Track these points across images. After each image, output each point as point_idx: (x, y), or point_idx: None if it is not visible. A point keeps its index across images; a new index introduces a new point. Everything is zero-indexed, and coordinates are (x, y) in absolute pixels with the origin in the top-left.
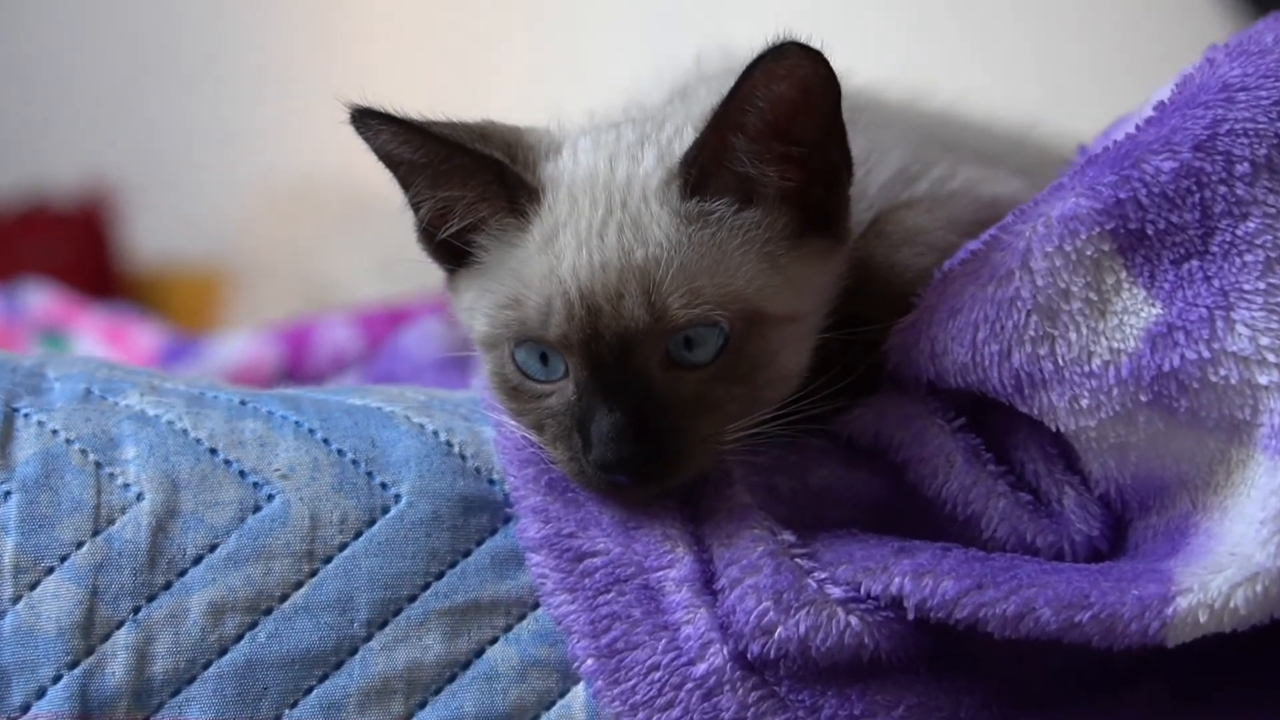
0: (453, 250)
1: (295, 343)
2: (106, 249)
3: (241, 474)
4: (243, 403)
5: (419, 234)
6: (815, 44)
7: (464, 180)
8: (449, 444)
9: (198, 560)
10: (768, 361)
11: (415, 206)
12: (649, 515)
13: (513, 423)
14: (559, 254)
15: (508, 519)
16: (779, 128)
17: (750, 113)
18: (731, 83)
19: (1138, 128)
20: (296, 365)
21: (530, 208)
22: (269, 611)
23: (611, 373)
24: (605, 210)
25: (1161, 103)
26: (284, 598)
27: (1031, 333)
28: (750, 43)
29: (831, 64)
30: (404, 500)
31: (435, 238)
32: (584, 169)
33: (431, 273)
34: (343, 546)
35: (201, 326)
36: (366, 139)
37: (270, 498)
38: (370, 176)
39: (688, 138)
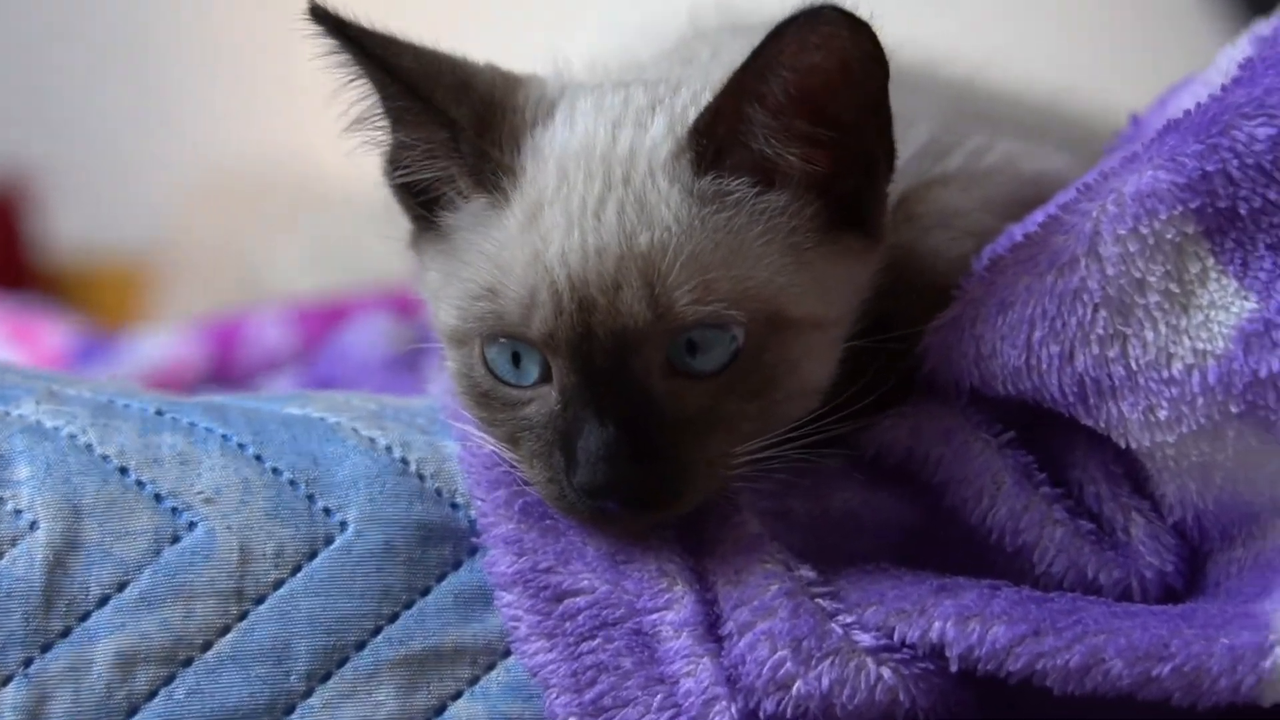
0: (419, 199)
1: (223, 341)
2: (19, 239)
3: (157, 498)
4: (159, 412)
5: (383, 164)
6: (862, 12)
7: (417, 127)
8: (404, 461)
9: (103, 602)
10: (787, 373)
11: (390, 130)
12: (642, 547)
13: (482, 435)
14: (545, 236)
15: (474, 551)
16: (806, 104)
17: (771, 82)
18: (753, 42)
19: (1224, 89)
20: (224, 366)
21: (506, 180)
22: (189, 663)
23: (604, 379)
24: (603, 185)
25: (1249, 59)
26: (207, 646)
27: (1099, 331)
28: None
29: (880, 38)
30: (351, 529)
31: (395, 177)
32: (580, 135)
33: (377, 266)
34: (278, 584)
35: (127, 324)
36: (328, 44)
37: (191, 526)
38: (311, 161)
39: (704, 103)
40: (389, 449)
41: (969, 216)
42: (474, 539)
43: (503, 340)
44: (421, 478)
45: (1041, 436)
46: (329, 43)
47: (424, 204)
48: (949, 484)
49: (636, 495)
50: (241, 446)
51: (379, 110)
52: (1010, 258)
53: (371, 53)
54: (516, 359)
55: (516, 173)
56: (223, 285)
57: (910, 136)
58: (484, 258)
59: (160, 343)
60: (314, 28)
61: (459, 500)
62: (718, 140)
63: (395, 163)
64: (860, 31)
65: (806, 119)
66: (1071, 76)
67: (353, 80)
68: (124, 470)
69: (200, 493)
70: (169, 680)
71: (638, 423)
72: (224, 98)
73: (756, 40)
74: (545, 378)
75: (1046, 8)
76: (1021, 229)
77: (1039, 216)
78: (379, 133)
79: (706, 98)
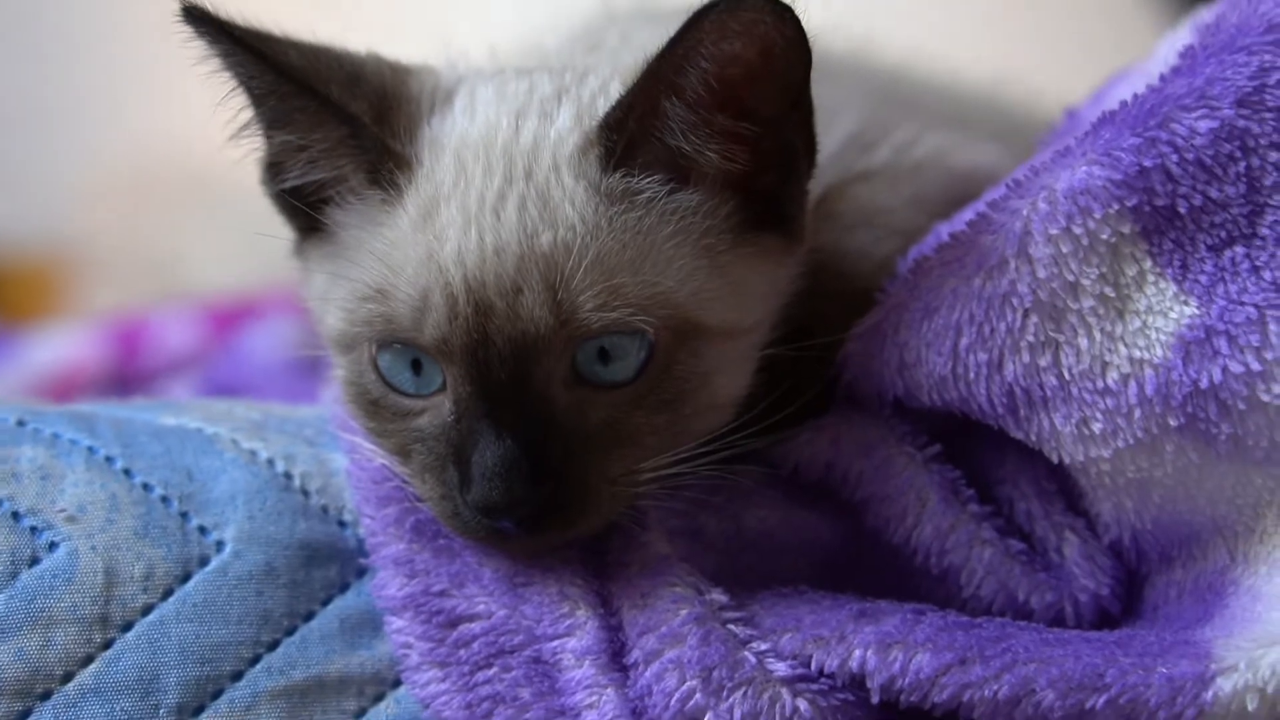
0: (302, 207)
1: (125, 342)
2: None
3: (14, 516)
4: (20, 423)
5: (261, 172)
6: None
7: (312, 127)
8: (287, 475)
9: None
10: (699, 385)
11: (265, 137)
12: (542, 569)
13: (371, 447)
14: (440, 234)
15: (362, 572)
16: (726, 96)
17: (690, 73)
18: (667, 29)
19: (1163, 79)
20: (126, 368)
21: (402, 175)
22: (47, 696)
23: (502, 389)
24: (503, 180)
25: (1190, 47)
26: (68, 677)
27: (1030, 338)
28: None
29: (803, 23)
30: (228, 549)
31: (276, 184)
32: (480, 126)
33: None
34: (147, 610)
35: (31, 322)
36: (206, 47)
37: (52, 546)
38: (226, 150)
39: (615, 95)
40: (271, 462)
41: (895, 214)
42: (362, 560)
43: (397, 346)
44: (306, 493)
45: (969, 450)
46: (208, 45)
47: (310, 205)
48: (871, 501)
49: (535, 515)
50: (109, 460)
51: (258, 116)
52: (936, 259)
53: (260, 52)
54: (417, 366)
55: (412, 166)
56: (136, 281)
57: (833, 129)
58: (374, 257)
59: (59, 343)
60: (190, 30)
61: (346, 518)
62: (629, 135)
63: (278, 168)
64: (784, 17)
65: (726, 112)
66: (1003, 65)
67: (231, 86)
68: None
69: (62, 510)
70: (24, 715)
71: (537, 437)
72: (134, 84)
73: (671, 27)
74: (441, 387)
75: None
76: (949, 228)
77: (967, 215)
78: (257, 139)
79: (615, 87)
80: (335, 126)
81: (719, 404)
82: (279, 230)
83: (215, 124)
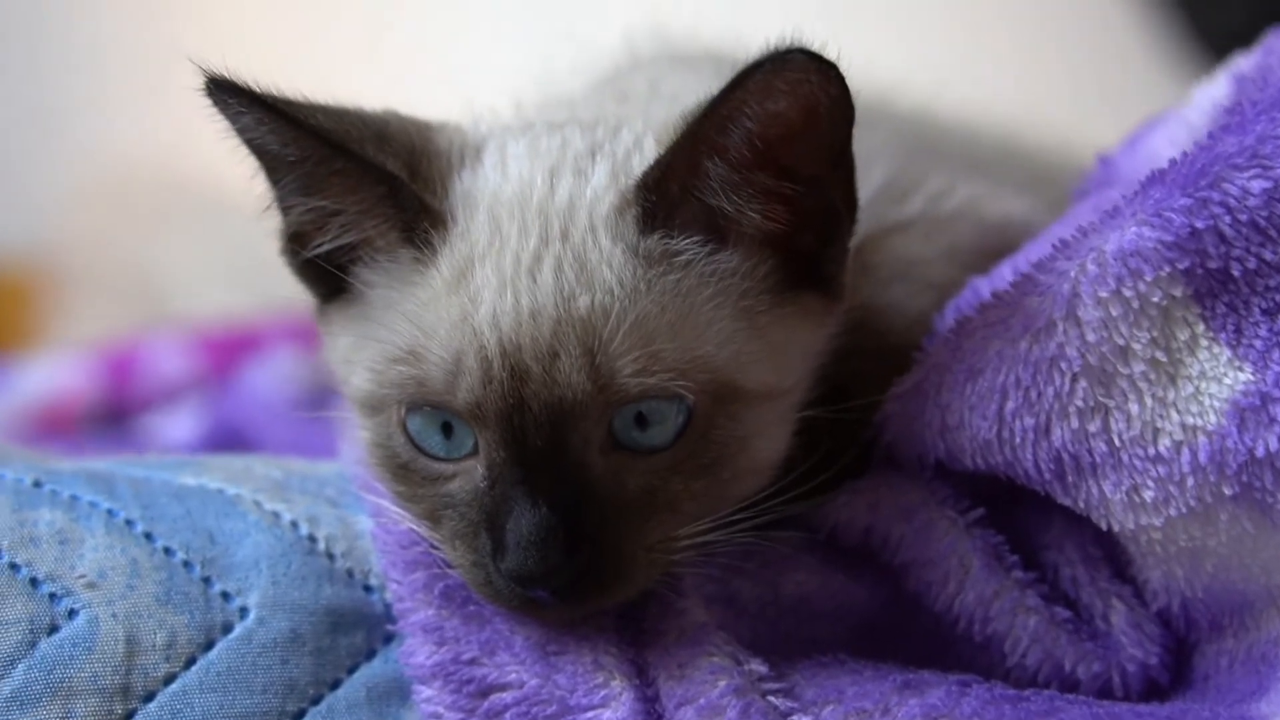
0: (326, 272)
1: (117, 371)
2: None
3: (33, 582)
4: (37, 484)
5: (283, 244)
6: (830, 52)
7: (347, 190)
8: (311, 538)
9: None
10: (738, 450)
11: (282, 209)
12: (576, 637)
13: (398, 510)
14: (475, 295)
15: (389, 639)
16: (769, 156)
17: (734, 133)
18: (698, 77)
19: (1211, 136)
20: (119, 398)
21: (436, 234)
22: None
23: (538, 455)
24: (539, 240)
25: (1239, 104)
26: None
27: (1079, 403)
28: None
29: (846, 81)
30: (252, 615)
31: (302, 254)
32: (514, 184)
33: (289, 282)
34: (169, 679)
35: (8, 344)
36: (226, 117)
37: (72, 614)
38: (219, 161)
39: (649, 152)
40: (294, 525)
41: (930, 266)
42: (389, 626)
43: (428, 409)
44: (331, 557)
45: (1013, 514)
46: (235, 117)
47: (326, 276)
48: (911, 566)
49: (570, 584)
50: (129, 523)
51: (280, 186)
52: (979, 319)
53: (294, 119)
54: (448, 429)
55: (447, 224)
56: (118, 298)
57: (867, 178)
58: (405, 318)
59: (48, 373)
60: (216, 101)
61: (373, 582)
62: (669, 197)
63: (302, 238)
64: (829, 76)
65: (768, 171)
66: (1022, 106)
67: (250, 158)
68: None
69: (82, 576)
70: None
71: (573, 505)
72: (119, 91)
73: (699, 75)
74: (472, 450)
75: (998, 35)
76: (988, 285)
77: (1007, 273)
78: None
79: (649, 144)
80: (371, 186)
81: (758, 468)
82: (263, 246)
83: (195, 135)
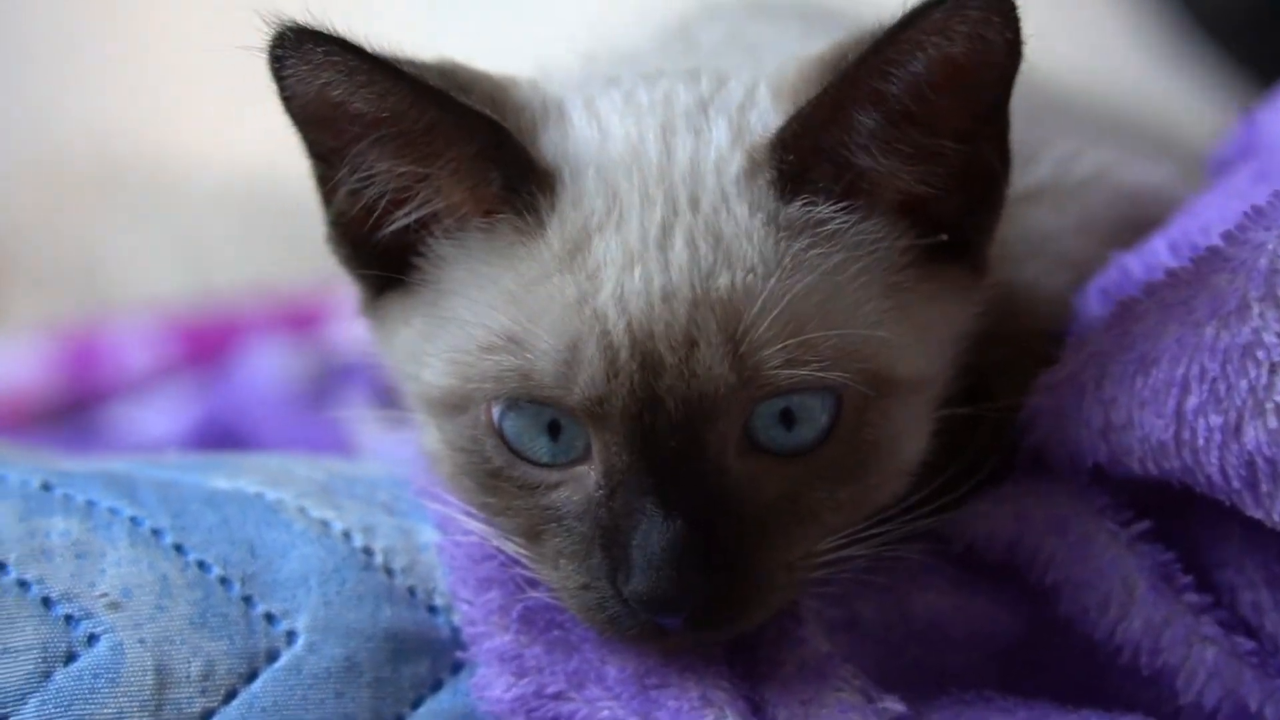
0: (386, 259)
1: (79, 359)
2: None
3: (45, 602)
4: (46, 487)
5: (334, 227)
6: None
7: (438, 151)
8: (367, 551)
9: None
10: (887, 451)
11: (347, 186)
12: (679, 668)
13: (474, 523)
14: (594, 273)
15: (458, 668)
16: (933, 107)
17: (896, 80)
18: (765, 28)
19: None
20: (80, 389)
21: (542, 198)
22: None
23: (670, 460)
24: (667, 209)
25: None
26: None
27: (1278, 398)
28: None
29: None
30: (301, 640)
31: (375, 233)
32: (620, 144)
33: (245, 267)
34: (207, 715)
35: None
36: (288, 78)
37: (92, 640)
38: (166, 145)
39: (765, 105)
40: (347, 535)
41: (1063, 241)
42: (459, 653)
43: (525, 404)
44: (390, 573)
45: (1183, 526)
46: (317, 73)
47: (387, 261)
48: (1064, 587)
49: (707, 609)
50: (157, 533)
51: (347, 160)
52: (1151, 300)
53: (388, 65)
54: (554, 429)
55: (554, 186)
56: (60, 286)
57: None
58: (502, 299)
59: (2, 360)
60: (295, 57)
61: (437, 602)
62: (806, 155)
63: (366, 219)
64: (1009, 16)
65: (927, 126)
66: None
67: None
68: (1, 566)
69: (103, 595)
70: None
71: (709, 517)
72: (63, 67)
73: (782, 27)
74: (583, 455)
75: None
76: (1139, 261)
77: (1162, 248)
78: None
79: (763, 95)
80: (466, 143)
81: (904, 471)
82: (208, 230)
83: (155, 115)
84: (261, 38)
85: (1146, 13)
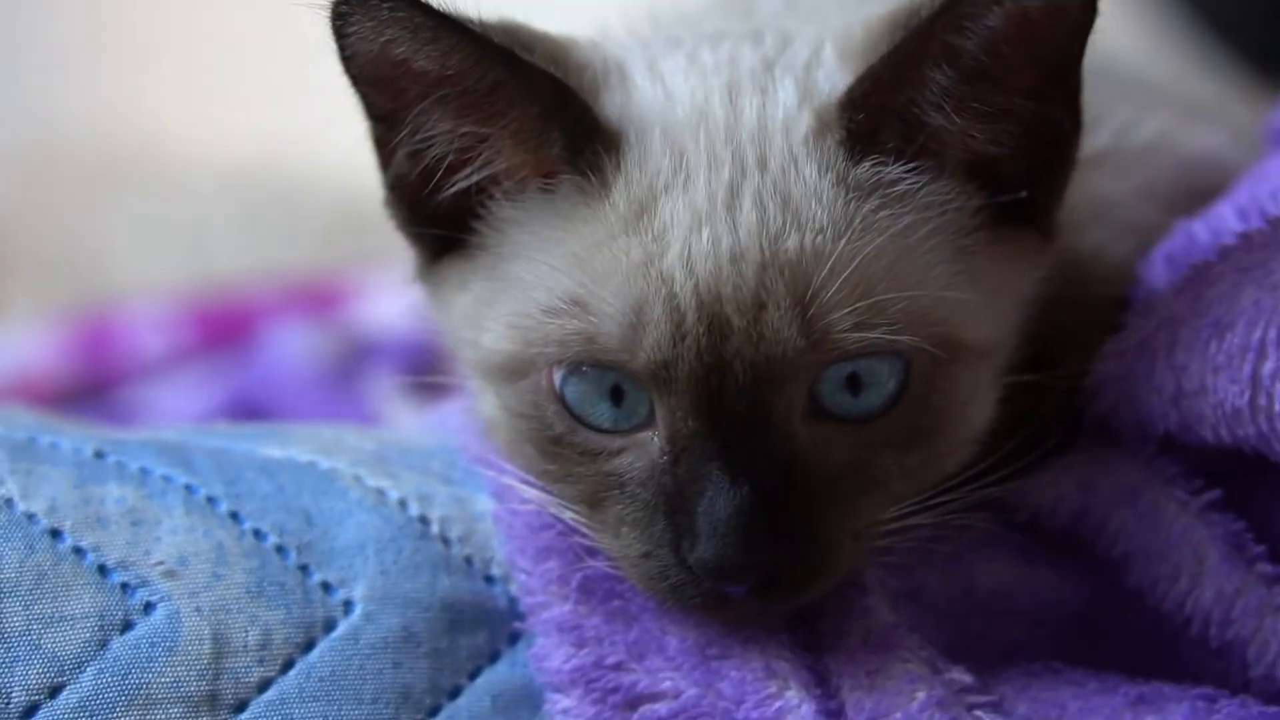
0: (444, 222)
1: (93, 342)
2: None
3: (101, 569)
4: (99, 455)
5: (392, 191)
6: None
7: (501, 111)
8: (423, 520)
9: (30, 712)
10: (956, 417)
11: (407, 148)
12: (741, 639)
13: (532, 491)
14: (661, 234)
15: (516, 638)
16: (1007, 64)
17: (972, 35)
18: None
19: None
20: (97, 373)
21: (607, 159)
22: None
23: (737, 425)
24: (735, 170)
25: None
26: None
27: None
28: None
29: None
30: (358, 610)
31: (434, 196)
32: (685, 104)
33: (240, 254)
34: (264, 685)
35: None
36: (350, 36)
37: (148, 608)
38: (159, 132)
39: (832, 65)
40: (403, 504)
41: (1125, 207)
42: (516, 623)
43: (587, 369)
44: (446, 542)
45: (1254, 496)
46: (382, 29)
47: (452, 216)
48: (1133, 558)
49: (773, 577)
50: (212, 501)
51: (408, 122)
52: (1224, 265)
53: (454, 22)
54: (617, 394)
55: (619, 147)
56: (61, 275)
57: None
58: (566, 261)
59: (12, 344)
60: (360, 13)
61: (495, 572)
62: (877, 114)
63: (428, 179)
64: None
65: (1000, 84)
66: None
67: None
68: (56, 533)
69: (159, 563)
70: None
71: (776, 483)
72: (62, 54)
73: None
74: (647, 420)
75: None
76: (1205, 228)
77: (1229, 214)
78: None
79: (829, 54)
80: (530, 102)
81: (971, 437)
82: (208, 217)
83: (147, 102)
84: None
85: (1156, 10)
